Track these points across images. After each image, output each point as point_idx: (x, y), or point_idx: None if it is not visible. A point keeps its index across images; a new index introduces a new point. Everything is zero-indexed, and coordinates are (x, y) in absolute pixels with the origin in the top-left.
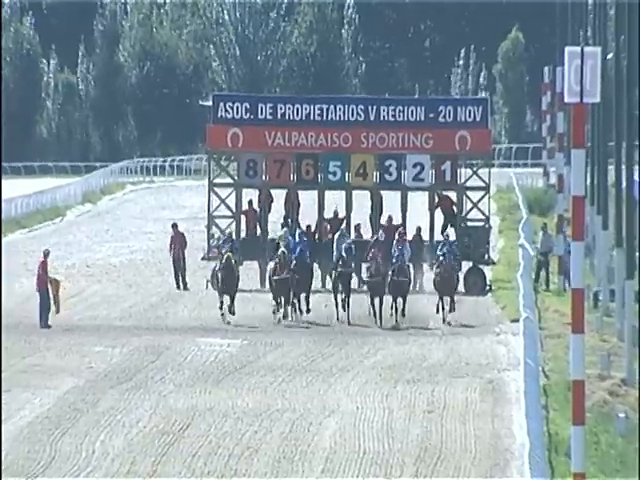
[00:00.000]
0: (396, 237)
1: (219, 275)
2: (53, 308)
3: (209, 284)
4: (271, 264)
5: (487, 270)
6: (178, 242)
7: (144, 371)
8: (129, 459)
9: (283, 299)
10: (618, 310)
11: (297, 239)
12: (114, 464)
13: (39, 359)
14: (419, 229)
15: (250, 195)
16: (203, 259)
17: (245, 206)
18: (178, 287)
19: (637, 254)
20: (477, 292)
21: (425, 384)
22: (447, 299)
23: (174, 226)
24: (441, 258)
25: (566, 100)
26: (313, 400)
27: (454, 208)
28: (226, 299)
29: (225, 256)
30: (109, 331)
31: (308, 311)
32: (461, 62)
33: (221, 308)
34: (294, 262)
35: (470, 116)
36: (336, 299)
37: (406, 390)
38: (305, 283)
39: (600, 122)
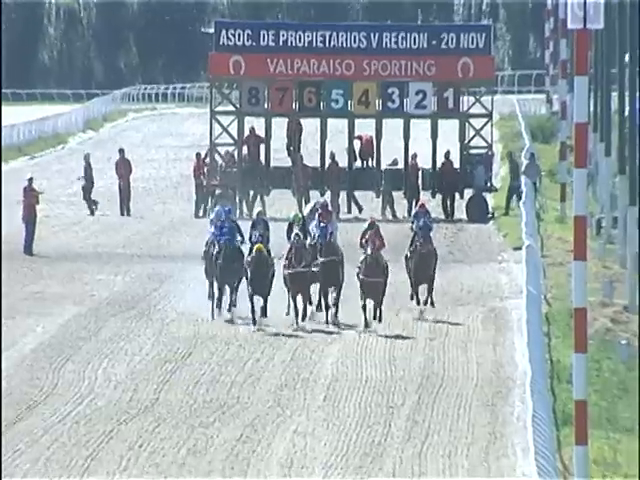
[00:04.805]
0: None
1: (247, 271)
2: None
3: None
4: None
5: (489, 197)
6: (124, 168)
7: (146, 299)
8: (131, 386)
9: (301, 297)
10: (620, 237)
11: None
12: (116, 391)
13: (41, 287)
14: (414, 156)
15: (252, 123)
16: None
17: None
18: (122, 214)
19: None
20: (479, 219)
21: (427, 312)
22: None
23: (120, 151)
24: (416, 230)
25: (569, 26)
26: (315, 327)
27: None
28: (257, 299)
29: (255, 247)
30: (111, 259)
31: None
32: None
33: (253, 314)
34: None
35: (473, 43)
36: (295, 307)
37: (408, 318)
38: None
39: (603, 48)
